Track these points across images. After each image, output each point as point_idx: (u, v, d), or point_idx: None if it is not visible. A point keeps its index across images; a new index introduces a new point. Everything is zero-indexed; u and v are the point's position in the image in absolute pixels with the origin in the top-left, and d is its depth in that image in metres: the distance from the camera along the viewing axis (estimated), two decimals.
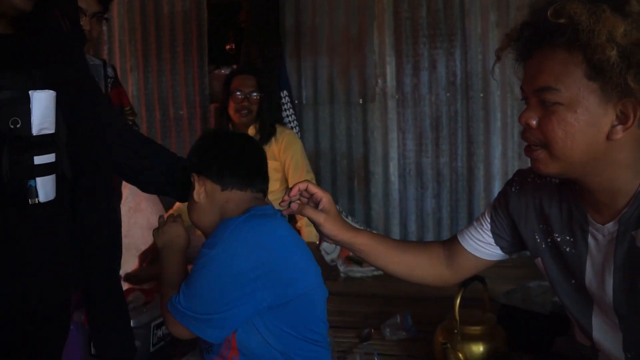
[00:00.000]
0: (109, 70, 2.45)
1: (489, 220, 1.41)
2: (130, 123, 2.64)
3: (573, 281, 1.30)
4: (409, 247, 1.52)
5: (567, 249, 1.27)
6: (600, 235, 1.21)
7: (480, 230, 1.42)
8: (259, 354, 1.35)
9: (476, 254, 1.43)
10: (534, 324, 1.95)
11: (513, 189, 1.36)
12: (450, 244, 1.47)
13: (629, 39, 1.03)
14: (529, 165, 1.31)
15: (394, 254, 1.46)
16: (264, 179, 1.50)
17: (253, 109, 2.90)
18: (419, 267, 1.47)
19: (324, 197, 1.38)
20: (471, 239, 1.43)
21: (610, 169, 1.13)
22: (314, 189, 1.39)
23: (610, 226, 1.19)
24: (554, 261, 1.31)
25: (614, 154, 1.12)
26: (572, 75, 1.08)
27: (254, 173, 1.46)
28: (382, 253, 1.45)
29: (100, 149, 1.53)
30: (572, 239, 1.26)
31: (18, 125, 1.23)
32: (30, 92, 1.24)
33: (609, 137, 1.09)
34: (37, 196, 1.25)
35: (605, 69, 1.04)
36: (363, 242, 1.43)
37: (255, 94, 2.89)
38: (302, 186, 1.39)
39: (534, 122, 1.13)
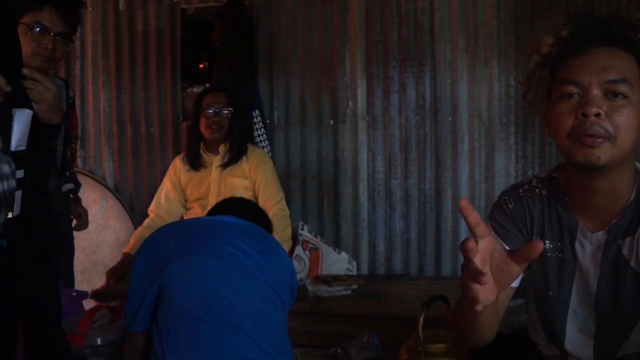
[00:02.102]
0: (70, 92, 2.49)
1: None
2: (74, 146, 2.67)
3: (550, 292, 1.34)
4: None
5: (557, 255, 1.32)
6: (588, 243, 1.27)
7: None
8: None
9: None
10: (497, 344, 1.98)
11: (511, 206, 1.37)
12: None
13: None
14: (495, 189, 1.37)
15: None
16: None
17: (224, 124, 2.91)
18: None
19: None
20: None
21: (622, 173, 1.21)
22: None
23: (600, 235, 1.25)
24: (540, 269, 1.35)
25: (632, 157, 1.21)
26: (635, 75, 1.17)
27: None
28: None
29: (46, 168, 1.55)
30: (560, 244, 1.31)
31: None
32: (12, 109, 1.26)
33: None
34: (12, 210, 1.26)
35: None
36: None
37: (225, 110, 2.91)
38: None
39: (603, 113, 1.16)
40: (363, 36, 3.55)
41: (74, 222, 2.62)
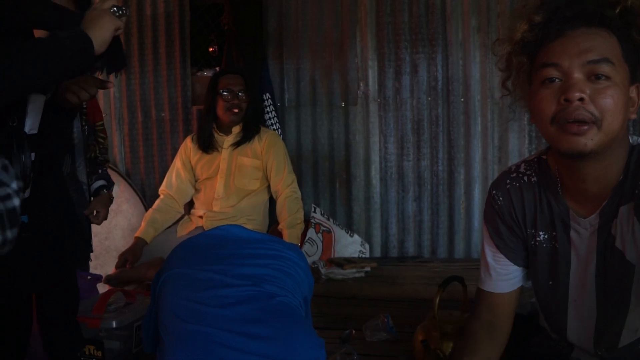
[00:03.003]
0: None
1: (497, 250, 1.39)
2: (101, 140, 2.66)
3: (550, 282, 1.33)
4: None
5: (552, 245, 1.30)
6: (582, 229, 1.24)
7: (500, 266, 1.40)
8: None
9: (512, 289, 1.41)
10: (513, 325, 1.98)
11: (500, 202, 1.36)
12: (488, 308, 1.41)
13: None
14: (510, 167, 1.33)
15: None
16: None
17: (243, 107, 2.90)
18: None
19: None
20: (501, 281, 1.40)
21: (612, 155, 1.17)
22: None
23: (592, 219, 1.22)
24: (538, 261, 1.34)
25: (622, 137, 1.17)
26: (617, 54, 1.12)
27: None
28: None
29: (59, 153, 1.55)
30: (555, 233, 1.29)
31: (14, 124, 1.25)
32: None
33: (626, 117, 1.14)
34: (15, 227, 1.23)
35: (637, 52, 1.11)
36: None
37: (242, 93, 2.89)
38: None
39: (586, 96, 1.11)
40: (374, 16, 3.51)
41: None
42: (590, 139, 1.11)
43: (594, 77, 1.11)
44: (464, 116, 3.45)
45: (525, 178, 1.32)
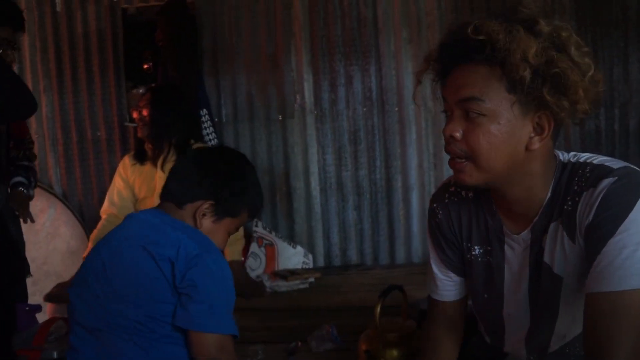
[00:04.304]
0: None
1: (440, 262, 1.44)
2: (31, 146, 2.62)
3: (485, 295, 1.37)
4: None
5: (487, 259, 1.33)
6: (516, 245, 1.28)
7: (445, 277, 1.44)
8: None
9: (461, 297, 1.46)
10: None
11: (439, 216, 1.40)
12: (442, 314, 1.46)
13: (541, 59, 1.08)
14: (444, 176, 1.38)
15: None
16: None
17: (146, 120, 2.96)
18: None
19: None
20: (448, 290, 1.44)
21: (527, 179, 1.19)
22: None
23: (525, 234, 1.25)
24: (473, 274, 1.38)
25: (531, 164, 1.17)
26: (494, 88, 1.12)
27: None
28: None
29: None
30: (490, 248, 1.32)
31: None
32: None
33: (527, 147, 1.15)
34: None
35: (523, 84, 1.09)
36: None
37: (145, 108, 2.96)
38: None
39: (458, 134, 1.15)
40: (307, 30, 3.56)
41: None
42: (468, 175, 1.17)
43: (468, 114, 1.15)
44: (398, 125, 3.54)
45: (463, 193, 1.36)
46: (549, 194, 1.21)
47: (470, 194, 1.35)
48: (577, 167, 1.19)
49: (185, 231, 1.48)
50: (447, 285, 1.44)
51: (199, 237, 1.49)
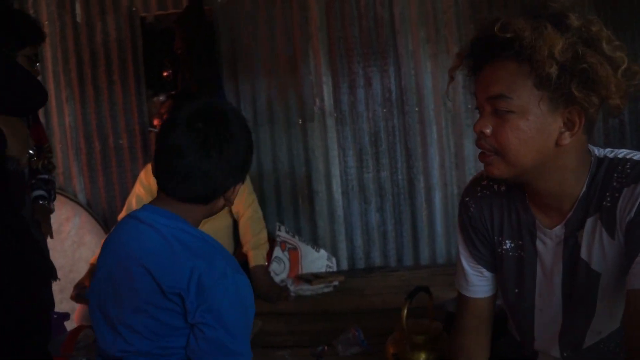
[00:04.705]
0: None
1: (470, 256, 1.43)
2: (49, 155, 2.64)
3: (516, 290, 1.36)
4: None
5: (518, 254, 1.33)
6: (548, 240, 1.27)
7: (475, 272, 1.43)
8: None
9: (491, 293, 1.46)
10: None
11: (472, 210, 1.39)
12: (471, 313, 1.46)
13: (567, 55, 1.08)
14: (467, 175, 1.38)
15: None
16: None
17: None
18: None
19: None
20: (478, 286, 1.44)
21: (558, 174, 1.19)
22: None
23: (558, 230, 1.25)
24: (504, 269, 1.37)
25: (562, 159, 1.17)
26: (522, 85, 1.13)
27: None
28: None
29: None
30: (521, 243, 1.31)
31: None
32: None
33: (557, 143, 1.15)
34: None
35: (550, 80, 1.09)
36: None
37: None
38: None
39: (488, 130, 1.17)
40: (325, 32, 3.56)
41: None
42: (497, 168, 1.19)
43: (496, 110, 1.16)
44: (419, 125, 3.52)
45: (495, 187, 1.36)
46: (584, 189, 1.20)
47: (502, 188, 1.35)
48: (615, 163, 1.18)
49: (199, 253, 1.34)
50: (478, 281, 1.43)
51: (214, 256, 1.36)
